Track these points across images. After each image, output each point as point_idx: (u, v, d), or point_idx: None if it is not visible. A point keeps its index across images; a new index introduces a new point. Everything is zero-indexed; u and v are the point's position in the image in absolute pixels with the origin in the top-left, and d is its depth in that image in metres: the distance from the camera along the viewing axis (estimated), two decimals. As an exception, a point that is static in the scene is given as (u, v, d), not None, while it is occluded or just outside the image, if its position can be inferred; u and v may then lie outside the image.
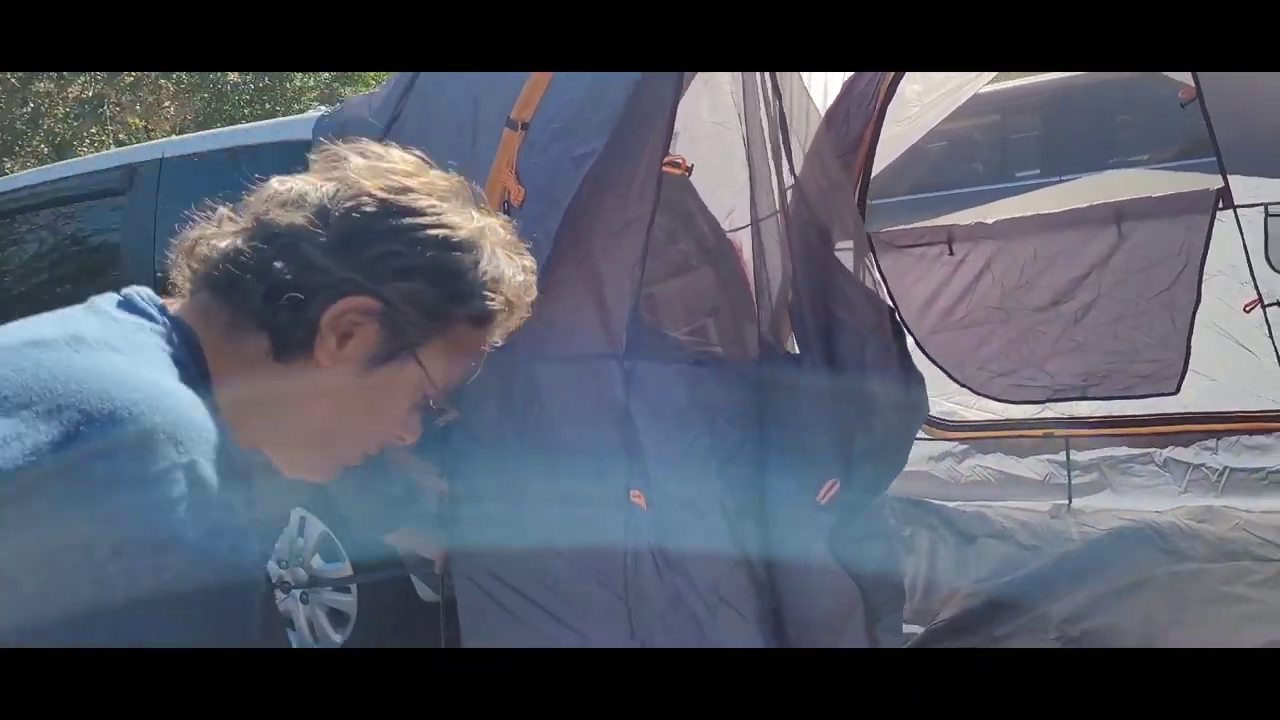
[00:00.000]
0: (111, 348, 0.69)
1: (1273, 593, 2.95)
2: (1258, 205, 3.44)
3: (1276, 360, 3.48)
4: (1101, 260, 3.70)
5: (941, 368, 4.00)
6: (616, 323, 2.22)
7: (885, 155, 3.94)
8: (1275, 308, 3.46)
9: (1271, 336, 3.47)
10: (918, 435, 3.97)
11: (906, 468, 3.88)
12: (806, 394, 2.07)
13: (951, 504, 3.78)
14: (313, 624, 3.24)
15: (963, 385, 3.98)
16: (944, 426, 4.02)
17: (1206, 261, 3.55)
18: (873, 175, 3.96)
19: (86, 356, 0.67)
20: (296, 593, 3.25)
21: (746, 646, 2.13)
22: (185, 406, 0.67)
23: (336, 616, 3.15)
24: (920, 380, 2.13)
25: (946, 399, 4.04)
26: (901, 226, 4.39)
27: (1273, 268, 3.46)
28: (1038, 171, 6.08)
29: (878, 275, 3.97)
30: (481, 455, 2.43)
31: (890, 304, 2.18)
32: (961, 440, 3.98)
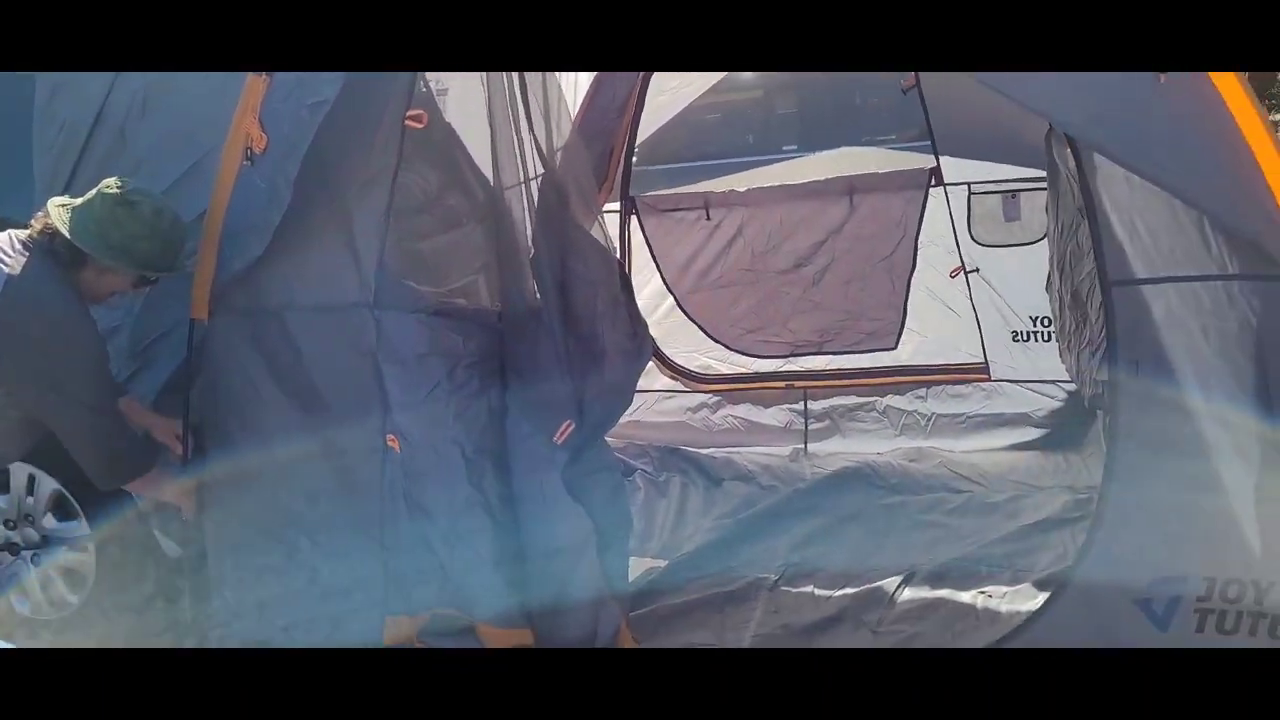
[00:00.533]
0: None
1: (960, 519, 3.44)
2: (963, 184, 3.92)
3: (974, 320, 4.00)
4: (836, 228, 4.09)
5: (699, 325, 4.30)
6: (367, 272, 2.27)
7: (651, 123, 4.15)
8: (975, 274, 3.97)
9: (971, 299, 3.99)
10: (677, 389, 4.30)
11: (666, 419, 4.22)
12: (545, 342, 2.22)
13: (704, 451, 4.09)
14: (46, 587, 3.07)
15: (717, 341, 4.29)
16: (700, 380, 4.32)
17: (921, 232, 4.01)
18: (638, 142, 4.16)
19: None
20: (27, 554, 3.07)
21: (483, 579, 2.27)
22: None
23: (72, 577, 3.00)
24: (645, 327, 2.32)
25: (703, 354, 4.34)
26: (664, 191, 4.63)
27: (974, 239, 3.96)
28: (796, 146, 6.59)
29: (641, 237, 4.23)
30: (237, 404, 2.41)
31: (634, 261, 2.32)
32: (715, 392, 4.29)
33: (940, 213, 3.97)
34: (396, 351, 2.25)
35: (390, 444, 2.34)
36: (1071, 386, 3.87)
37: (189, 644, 2.62)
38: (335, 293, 2.34)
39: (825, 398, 4.17)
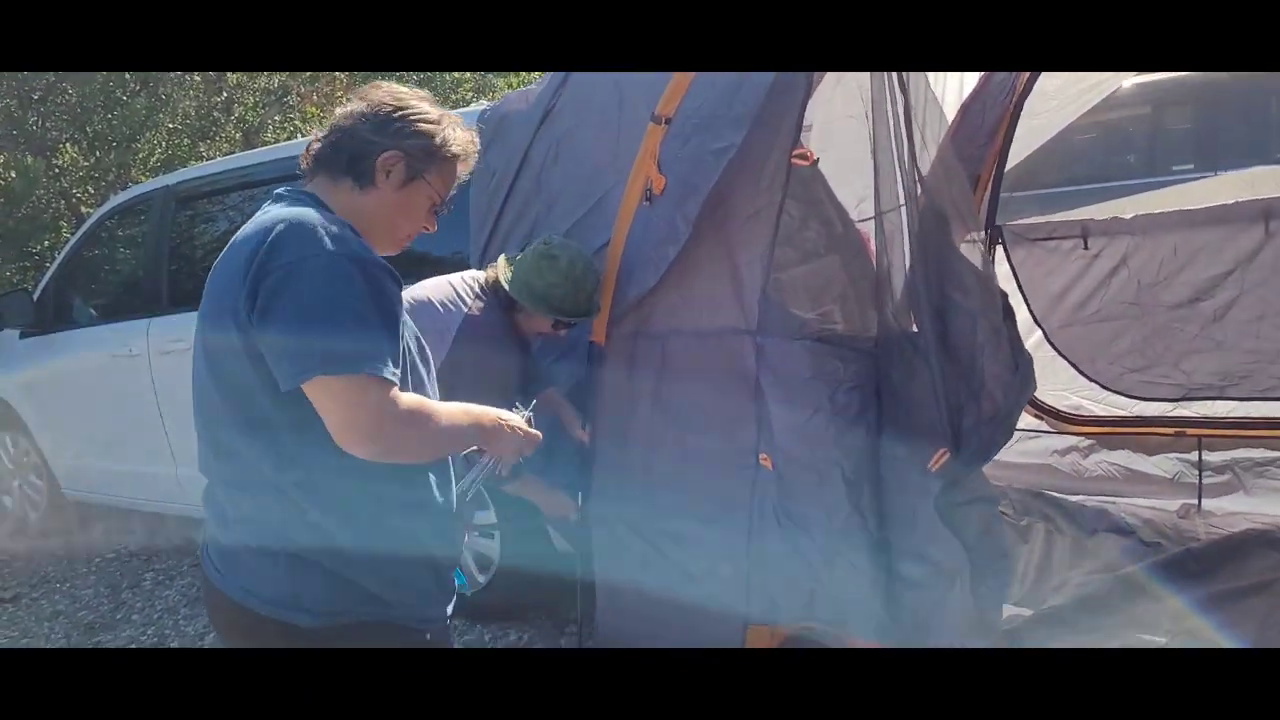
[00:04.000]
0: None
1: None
2: None
3: None
4: (1246, 258, 3.64)
5: (1070, 362, 4.02)
6: (750, 301, 2.44)
7: (1023, 148, 3.98)
8: None
9: None
10: (1042, 429, 4.04)
11: (1029, 460, 3.98)
12: (920, 370, 2.24)
13: (1073, 498, 3.80)
14: (462, 566, 3.58)
15: (1091, 380, 3.99)
16: (1070, 420, 4.04)
17: (1359, 262, 3.44)
18: (1007, 168, 4.01)
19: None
20: None
21: (860, 598, 2.32)
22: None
23: (481, 560, 3.46)
24: (1028, 360, 2.25)
25: (1074, 393, 4.05)
26: (1036, 219, 4.40)
27: None
28: (1191, 166, 5.90)
29: (1008, 267, 4.05)
30: (621, 418, 2.70)
31: (1006, 291, 2.27)
32: (1088, 435, 3.99)
33: (1386, 240, 3.39)
34: (780, 375, 2.38)
35: (762, 462, 2.48)
36: None
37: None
38: (717, 319, 2.53)
39: (1226, 449, 3.70)
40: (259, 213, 1.43)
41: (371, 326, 1.30)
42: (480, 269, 2.80)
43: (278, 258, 1.29)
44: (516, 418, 1.64)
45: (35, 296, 4.75)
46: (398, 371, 1.33)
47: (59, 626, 3.77)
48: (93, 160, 7.37)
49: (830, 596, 2.37)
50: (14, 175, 6.86)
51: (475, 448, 1.56)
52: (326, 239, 1.30)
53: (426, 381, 1.51)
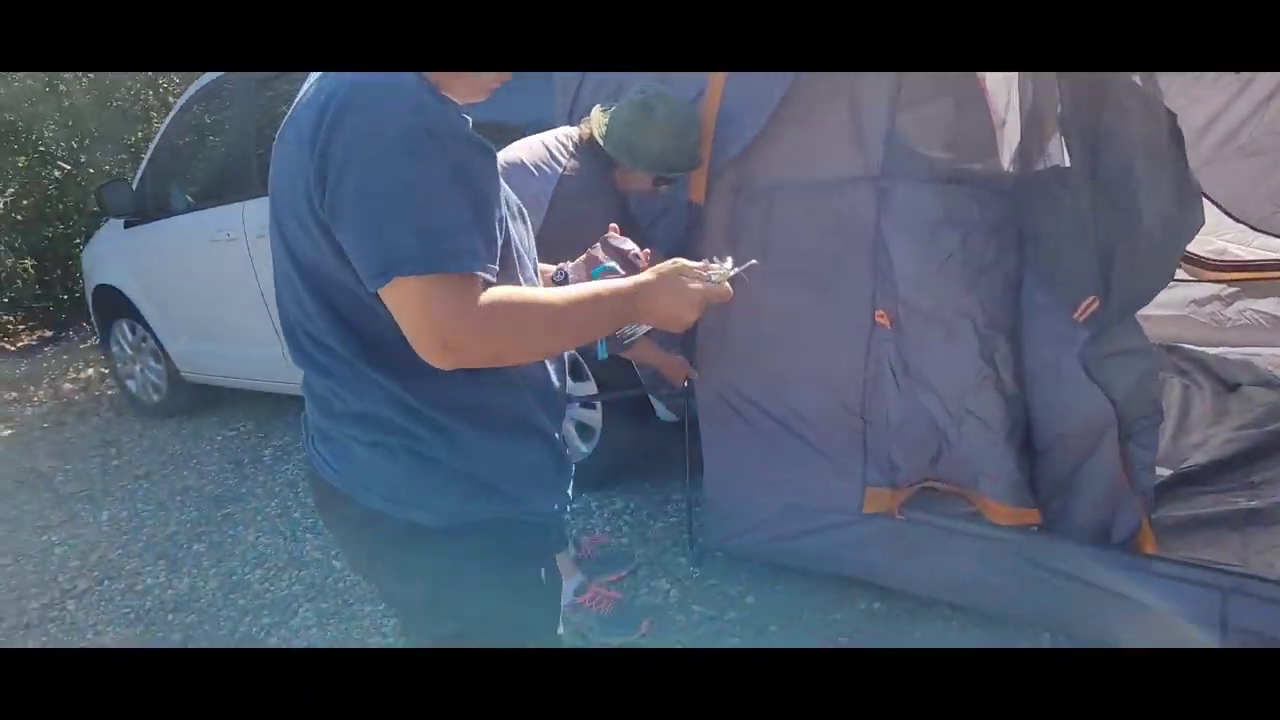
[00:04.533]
0: None
1: None
2: None
3: None
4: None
5: (1215, 201, 3.67)
6: (872, 142, 2.24)
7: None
8: None
9: None
10: (1180, 278, 3.74)
11: (1164, 312, 3.70)
12: (1068, 209, 2.02)
13: (1214, 350, 3.54)
14: (563, 436, 3.58)
15: (1238, 221, 3.64)
16: (1212, 267, 3.72)
17: None
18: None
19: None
20: None
21: (993, 455, 2.18)
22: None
23: (584, 430, 3.44)
24: (1195, 193, 2.00)
25: (1218, 236, 3.72)
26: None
27: None
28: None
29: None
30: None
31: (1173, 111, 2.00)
32: (1231, 282, 3.67)
33: None
34: (906, 221, 2.20)
35: (879, 320, 2.33)
36: None
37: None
38: (833, 167, 2.33)
39: (1391, 291, 3.36)
40: (322, 75, 1.23)
41: (455, 212, 1.10)
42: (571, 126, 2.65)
43: (341, 133, 1.09)
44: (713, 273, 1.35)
45: (134, 186, 4.79)
46: (493, 266, 1.14)
47: (190, 500, 3.95)
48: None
49: (958, 457, 2.24)
50: (101, 67, 6.88)
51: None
52: (397, 106, 1.09)
53: (527, 259, 1.34)
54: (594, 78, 2.83)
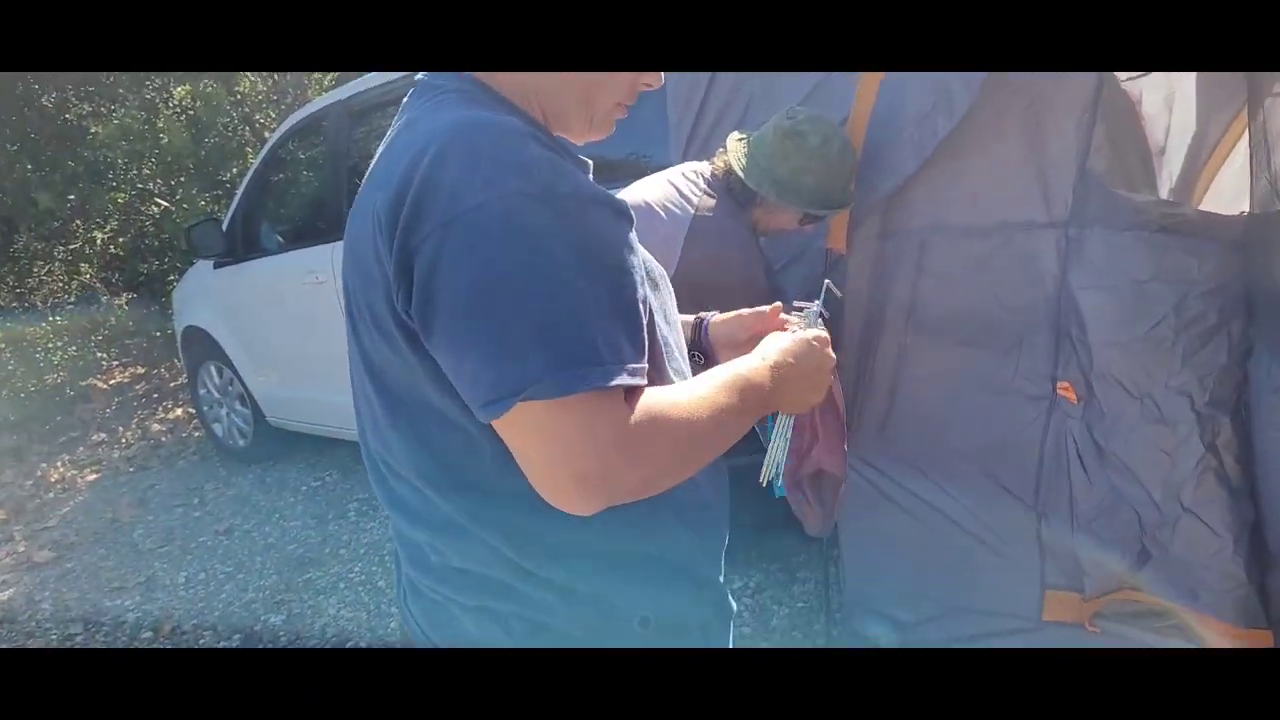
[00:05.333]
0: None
1: None
2: None
3: None
4: None
5: None
6: (1059, 182, 1.88)
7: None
8: None
9: None
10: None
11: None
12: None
13: None
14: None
15: None
16: None
17: None
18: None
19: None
20: None
21: (1216, 563, 1.79)
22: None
23: None
24: None
25: None
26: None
27: None
28: None
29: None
30: (862, 339, 2.23)
31: None
32: None
33: None
34: (1105, 278, 1.83)
35: (1062, 393, 1.96)
36: None
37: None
38: (1005, 208, 1.99)
39: None
40: (399, 117, 0.99)
41: (590, 302, 0.82)
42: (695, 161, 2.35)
43: (429, 212, 0.81)
44: (802, 326, 1.18)
45: (225, 225, 4.69)
46: (642, 366, 0.85)
47: (270, 560, 3.74)
48: (270, 83, 7.35)
49: (1170, 563, 1.85)
50: (199, 104, 6.91)
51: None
52: (499, 166, 0.81)
53: (673, 342, 1.03)
54: (715, 104, 2.53)
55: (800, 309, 1.23)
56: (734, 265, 2.08)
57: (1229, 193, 2.48)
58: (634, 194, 2.16)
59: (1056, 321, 1.95)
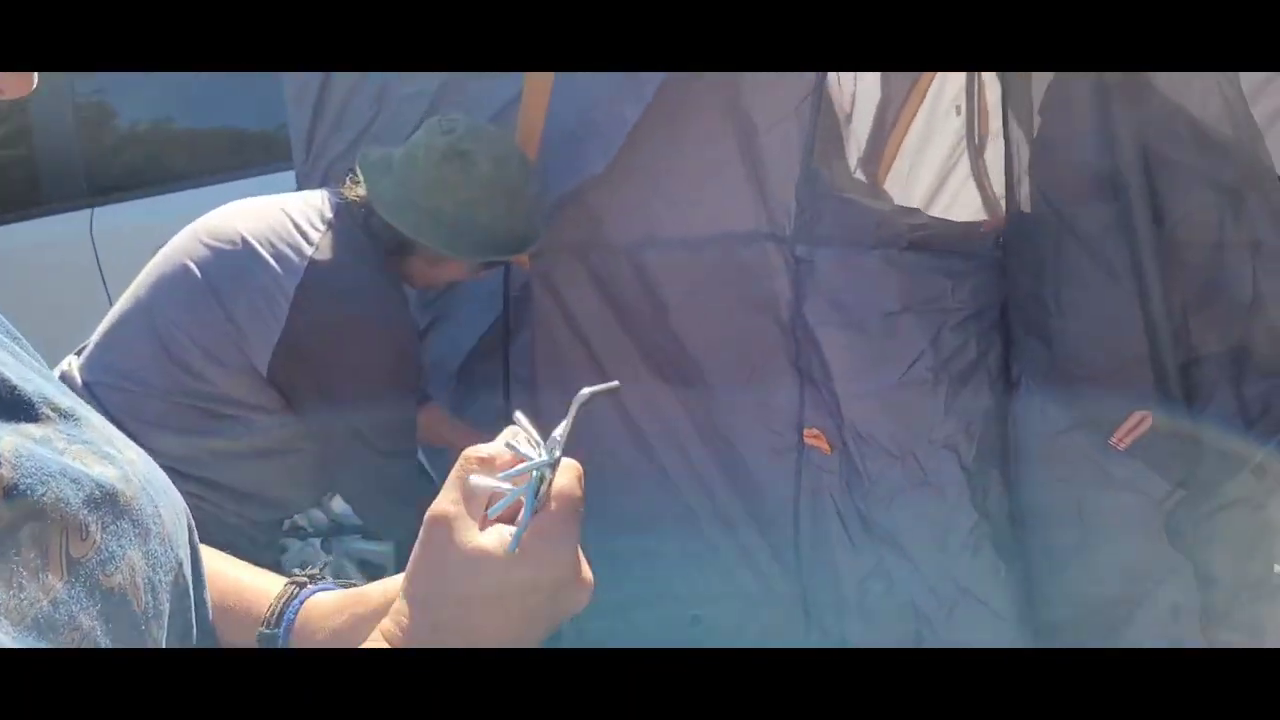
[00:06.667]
0: None
1: None
2: None
3: None
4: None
5: None
6: (779, 186, 1.46)
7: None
8: None
9: None
10: None
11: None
12: (1096, 278, 1.32)
13: None
14: (340, 574, 2.73)
15: None
16: None
17: None
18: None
19: None
20: (315, 541, 2.72)
21: (1001, 643, 1.48)
22: None
23: (368, 567, 2.67)
24: None
25: None
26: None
27: None
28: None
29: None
30: (572, 375, 1.72)
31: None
32: None
33: None
34: (846, 309, 1.44)
35: (811, 441, 1.57)
36: None
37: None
38: (723, 218, 1.55)
39: None
40: None
41: None
42: (319, 185, 1.71)
43: None
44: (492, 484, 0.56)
45: None
46: None
47: None
48: None
49: (956, 639, 1.52)
50: None
51: None
52: None
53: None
54: (336, 96, 1.88)
55: (515, 447, 0.57)
56: (369, 338, 1.45)
57: (904, 170, 2.33)
58: (226, 224, 1.46)
59: (795, 357, 1.55)
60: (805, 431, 1.59)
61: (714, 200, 1.56)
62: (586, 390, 0.69)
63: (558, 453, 0.57)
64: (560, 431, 0.59)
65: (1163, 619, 1.43)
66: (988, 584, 1.48)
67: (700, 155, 1.54)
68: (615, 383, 0.76)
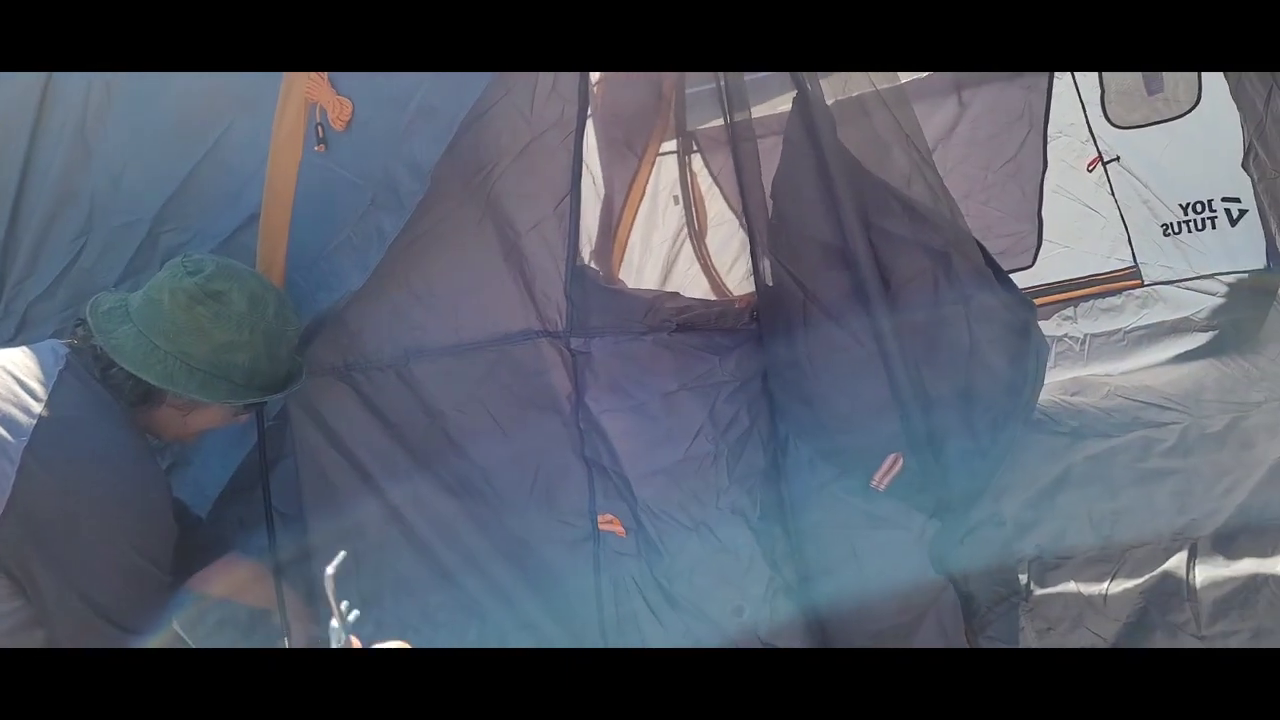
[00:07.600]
0: None
1: (1187, 459, 2.84)
2: (1092, 59, 3.27)
3: (1119, 218, 3.39)
4: (944, 134, 3.40)
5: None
6: (547, 285, 1.49)
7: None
8: (1115, 164, 3.35)
9: (1113, 193, 3.37)
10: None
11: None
12: (841, 332, 1.47)
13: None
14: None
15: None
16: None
17: (1049, 123, 3.36)
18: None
19: None
20: None
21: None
22: None
23: None
24: (1022, 297, 1.55)
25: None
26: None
27: (1110, 121, 3.33)
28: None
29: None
30: (345, 502, 1.62)
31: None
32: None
33: (1067, 96, 3.32)
34: (626, 394, 1.50)
35: (606, 527, 1.60)
36: (1231, 279, 3.31)
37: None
38: (492, 320, 1.56)
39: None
40: None
41: None
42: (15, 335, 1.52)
43: None
44: None
45: None
46: None
47: None
48: None
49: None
50: None
51: None
52: None
53: None
54: (34, 225, 1.69)
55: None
56: (110, 507, 1.29)
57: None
58: None
59: (580, 450, 1.57)
60: (599, 518, 1.61)
61: (480, 305, 1.56)
62: (329, 568, 0.86)
63: (345, 636, 0.68)
64: (335, 623, 0.74)
65: (932, 640, 1.58)
66: (786, 635, 1.56)
67: (463, 262, 1.54)
68: (342, 552, 0.92)
